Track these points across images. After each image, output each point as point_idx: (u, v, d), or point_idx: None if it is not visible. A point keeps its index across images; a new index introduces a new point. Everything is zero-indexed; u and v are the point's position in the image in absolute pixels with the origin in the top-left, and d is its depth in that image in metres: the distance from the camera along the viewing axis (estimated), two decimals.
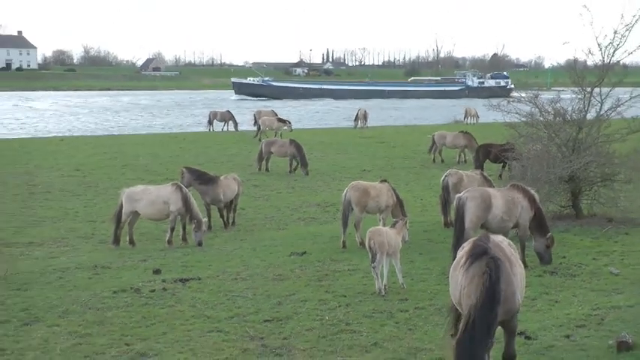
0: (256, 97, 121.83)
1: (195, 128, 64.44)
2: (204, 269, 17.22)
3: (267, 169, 35.45)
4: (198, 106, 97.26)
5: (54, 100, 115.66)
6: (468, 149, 38.06)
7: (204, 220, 21.23)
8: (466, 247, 9.71)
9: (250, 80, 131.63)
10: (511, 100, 23.77)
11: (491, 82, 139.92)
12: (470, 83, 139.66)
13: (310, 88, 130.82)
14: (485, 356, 8.38)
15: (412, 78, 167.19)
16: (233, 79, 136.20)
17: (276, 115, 61.63)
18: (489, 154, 32.81)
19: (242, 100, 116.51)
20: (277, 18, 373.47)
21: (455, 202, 17.37)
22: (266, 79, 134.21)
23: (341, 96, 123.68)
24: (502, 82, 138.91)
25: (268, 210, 26.42)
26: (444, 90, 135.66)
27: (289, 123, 52.29)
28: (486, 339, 8.23)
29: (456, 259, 9.75)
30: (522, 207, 16.81)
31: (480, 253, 8.85)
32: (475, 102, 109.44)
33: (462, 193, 17.29)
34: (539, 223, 16.97)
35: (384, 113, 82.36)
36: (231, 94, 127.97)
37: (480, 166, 32.24)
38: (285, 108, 72.71)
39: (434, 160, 38.77)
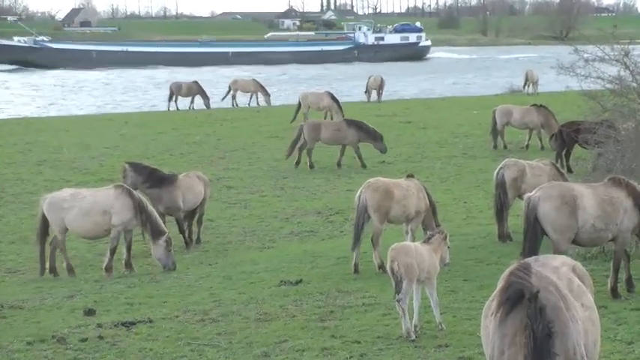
0: (24, 65, 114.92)
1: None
2: (158, 307, 17.14)
3: (311, 166, 34.31)
4: None
5: None
6: (545, 130, 37.35)
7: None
8: (500, 282, 9.09)
9: (17, 41, 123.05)
10: (589, 59, 23.68)
11: (395, 38, 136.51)
12: (361, 40, 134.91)
13: (109, 52, 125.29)
14: None
15: (270, 34, 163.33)
16: None
17: (260, 83, 62.02)
18: (577, 138, 31.50)
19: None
20: None
21: (524, 204, 17.12)
22: (39, 39, 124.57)
23: (160, 62, 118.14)
24: (412, 38, 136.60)
25: (248, 221, 26.36)
26: (321, 51, 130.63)
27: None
28: None
29: (489, 300, 9.28)
30: (625, 210, 16.56)
31: (517, 295, 8.32)
32: (373, 67, 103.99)
33: (532, 192, 17.06)
34: None
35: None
36: None
37: (560, 153, 31.77)
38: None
39: (495, 146, 38.25)
